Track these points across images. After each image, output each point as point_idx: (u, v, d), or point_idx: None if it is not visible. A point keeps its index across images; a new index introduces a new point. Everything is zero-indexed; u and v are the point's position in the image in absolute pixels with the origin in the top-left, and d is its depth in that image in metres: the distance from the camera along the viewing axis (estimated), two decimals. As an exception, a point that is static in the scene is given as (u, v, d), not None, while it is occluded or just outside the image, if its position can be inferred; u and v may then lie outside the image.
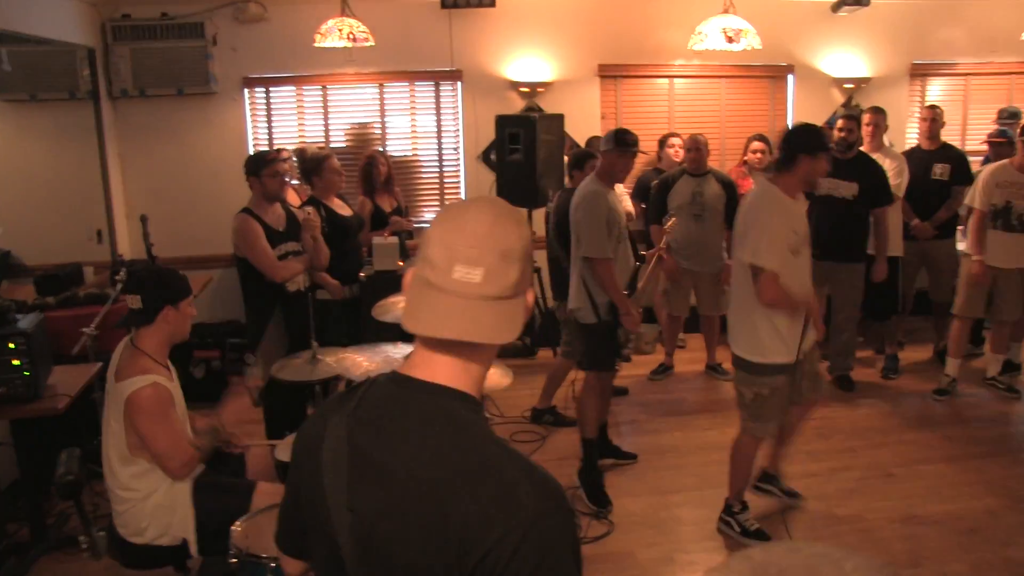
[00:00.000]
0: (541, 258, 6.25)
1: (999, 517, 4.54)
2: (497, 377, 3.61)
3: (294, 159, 6.23)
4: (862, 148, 6.37)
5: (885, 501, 4.69)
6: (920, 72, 8.25)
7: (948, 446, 5.39)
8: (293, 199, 6.02)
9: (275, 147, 7.03)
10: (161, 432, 3.22)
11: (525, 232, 1.39)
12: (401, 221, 6.40)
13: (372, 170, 6.32)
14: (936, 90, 8.39)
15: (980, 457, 5.23)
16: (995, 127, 7.28)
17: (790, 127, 4.84)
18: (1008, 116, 7.53)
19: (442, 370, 1.39)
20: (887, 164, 6.35)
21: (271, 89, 7.33)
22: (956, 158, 6.61)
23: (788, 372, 4.05)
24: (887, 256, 6.24)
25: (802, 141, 3.99)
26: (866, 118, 6.64)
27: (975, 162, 6.83)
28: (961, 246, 6.44)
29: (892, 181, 6.29)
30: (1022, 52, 8.01)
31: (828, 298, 6.38)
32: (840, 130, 6.12)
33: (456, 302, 1.32)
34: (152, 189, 7.09)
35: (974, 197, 6.00)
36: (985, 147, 7.18)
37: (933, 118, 6.76)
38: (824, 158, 4.02)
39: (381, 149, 7.07)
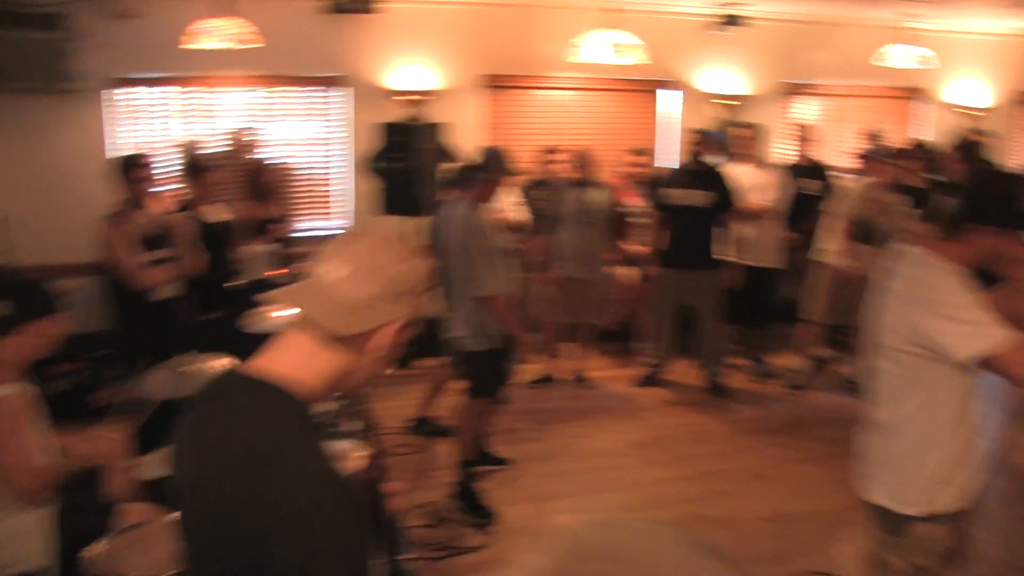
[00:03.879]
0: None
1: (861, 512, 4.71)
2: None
3: (162, 160, 6.02)
4: (743, 162, 6.66)
5: (755, 501, 4.83)
6: (792, 91, 8.58)
7: (816, 447, 5.58)
8: (165, 205, 5.84)
9: (148, 150, 6.77)
10: (10, 447, 3.03)
11: (407, 266, 1.55)
12: (278, 229, 6.30)
13: (257, 178, 6.24)
14: (807, 108, 8.73)
15: (845, 457, 5.41)
16: (865, 145, 7.61)
17: (976, 179, 3.24)
18: (875, 137, 7.91)
19: (281, 360, 1.53)
20: (763, 177, 6.59)
21: (145, 89, 7.00)
22: (825, 174, 6.89)
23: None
24: (762, 267, 6.58)
25: (985, 208, 2.57)
26: (741, 132, 6.89)
27: (843, 179, 7.10)
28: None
29: (770, 194, 6.54)
30: (883, 77, 8.41)
31: (683, 308, 6.57)
32: (692, 144, 6.38)
33: (311, 288, 1.52)
34: (9, 191, 6.62)
35: (844, 206, 6.29)
36: (854, 164, 7.46)
37: (805, 136, 7.03)
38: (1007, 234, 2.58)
39: (266, 156, 6.89)
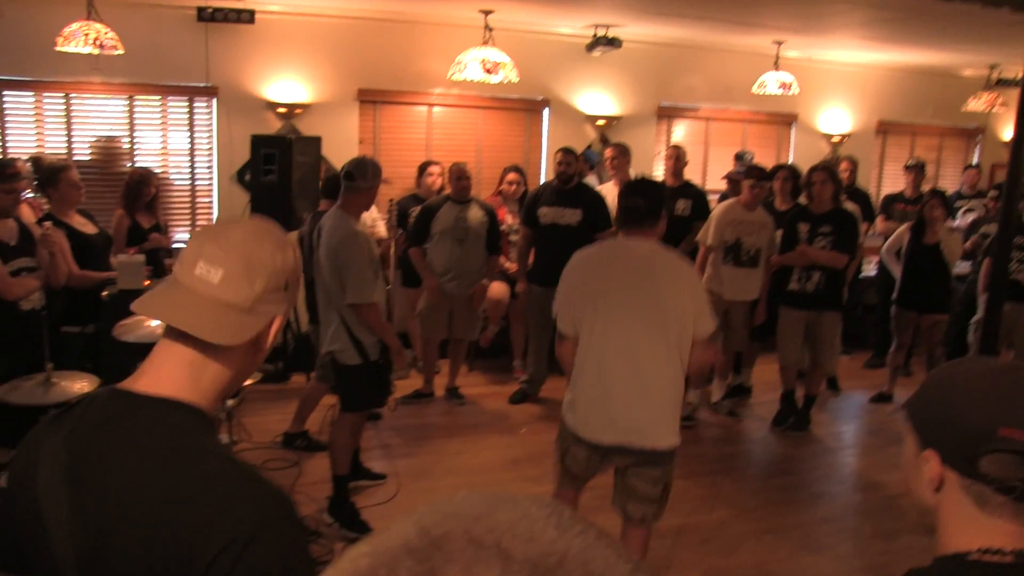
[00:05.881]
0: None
1: (729, 527, 4.82)
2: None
3: (30, 168, 5.75)
4: (611, 182, 6.73)
5: (627, 517, 4.85)
6: (666, 114, 8.81)
7: (686, 464, 5.66)
8: (28, 215, 5.56)
9: (8, 157, 6.44)
10: None
11: (284, 256, 1.41)
12: (160, 238, 6.08)
13: (142, 188, 6.01)
14: (680, 131, 8.98)
15: (713, 474, 5.56)
16: (734, 168, 7.86)
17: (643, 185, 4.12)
18: (745, 159, 8.20)
19: (168, 379, 1.35)
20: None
21: (4, 93, 6.70)
22: (696, 195, 7.07)
23: None
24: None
25: (659, 203, 3.85)
26: (608, 152, 7.00)
27: (713, 199, 7.30)
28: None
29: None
30: (753, 102, 8.73)
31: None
32: (560, 163, 6.45)
33: (187, 296, 1.33)
34: None
35: (707, 234, 6.41)
36: (724, 185, 7.70)
37: (676, 157, 7.20)
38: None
39: (144, 165, 6.62)
